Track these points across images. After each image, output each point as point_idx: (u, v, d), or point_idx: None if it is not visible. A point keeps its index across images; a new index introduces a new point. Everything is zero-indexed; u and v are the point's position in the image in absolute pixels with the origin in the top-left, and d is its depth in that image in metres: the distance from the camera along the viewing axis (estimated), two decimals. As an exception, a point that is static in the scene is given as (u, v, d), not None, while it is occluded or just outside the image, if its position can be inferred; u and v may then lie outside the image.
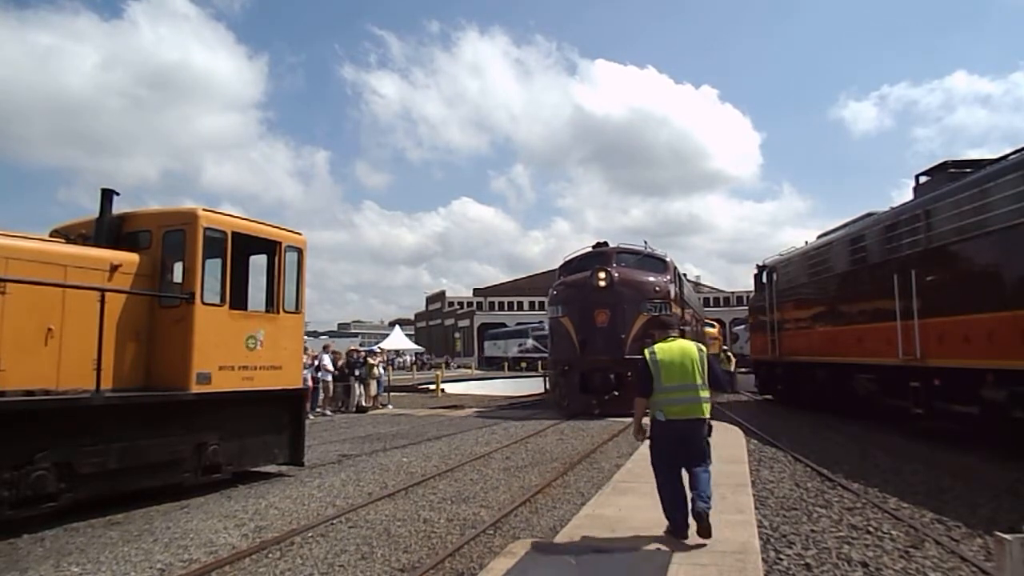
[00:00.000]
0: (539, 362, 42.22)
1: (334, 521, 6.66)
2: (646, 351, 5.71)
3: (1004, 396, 9.58)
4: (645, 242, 20.36)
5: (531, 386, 31.62)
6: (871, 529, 6.28)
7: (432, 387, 29.09)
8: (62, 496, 6.60)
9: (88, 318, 6.94)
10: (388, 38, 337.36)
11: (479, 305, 79.18)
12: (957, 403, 10.95)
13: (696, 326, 26.37)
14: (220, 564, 5.30)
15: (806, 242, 18.99)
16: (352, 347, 25.05)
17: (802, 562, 5.31)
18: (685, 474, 5.57)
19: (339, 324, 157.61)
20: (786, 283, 19.03)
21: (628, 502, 6.72)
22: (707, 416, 5.55)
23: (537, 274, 77.33)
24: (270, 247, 9.07)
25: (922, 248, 11.84)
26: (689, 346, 5.71)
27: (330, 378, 19.77)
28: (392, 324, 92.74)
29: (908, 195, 13.82)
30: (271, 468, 9.53)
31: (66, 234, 8.27)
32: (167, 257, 8.16)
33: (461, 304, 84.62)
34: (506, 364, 55.86)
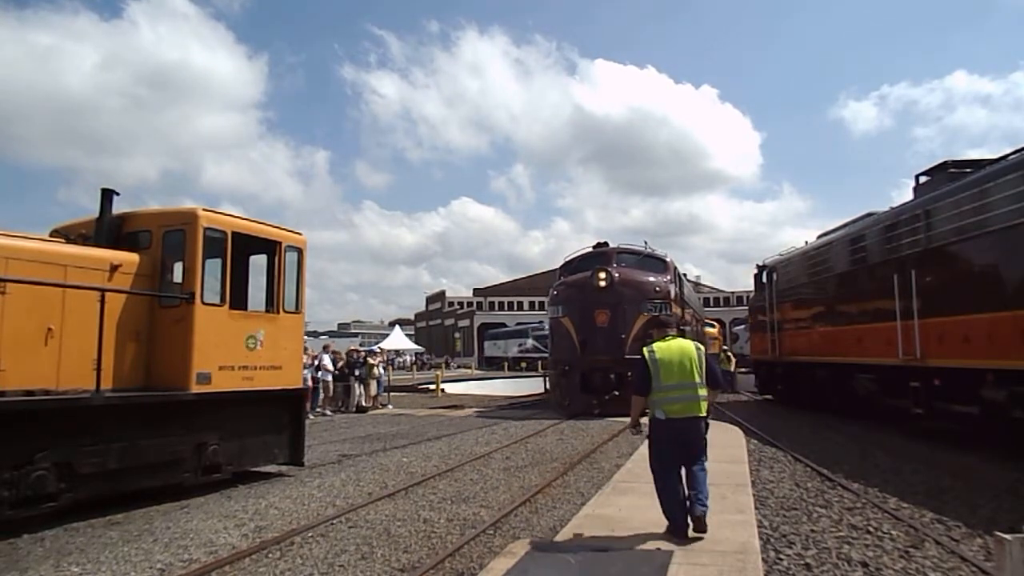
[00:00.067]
0: (539, 362, 42.22)
1: (334, 521, 6.66)
2: (645, 350, 5.73)
3: (1004, 396, 9.58)
4: (645, 242, 20.41)
5: (531, 386, 31.62)
6: (871, 529, 6.28)
7: (432, 387, 29.10)
8: (62, 496, 6.60)
9: (88, 318, 6.94)
10: (388, 38, 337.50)
11: (479, 305, 79.16)
12: (957, 403, 10.95)
13: (696, 326, 26.38)
14: (220, 564, 5.30)
15: (806, 242, 19.03)
16: (352, 347, 25.07)
17: (802, 562, 5.31)
18: (684, 473, 5.59)
19: (339, 324, 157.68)
20: (786, 283, 19.03)
21: (628, 502, 6.72)
22: (705, 414, 5.60)
23: (537, 274, 77.32)
24: (270, 247, 9.07)
25: (922, 248, 11.84)
26: (688, 345, 5.74)
27: (330, 378, 19.78)
28: (392, 324, 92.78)
29: (908, 195, 13.85)
30: (271, 468, 9.54)
31: (66, 234, 8.27)
32: (167, 257, 8.16)
33: (461, 304, 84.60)
34: (506, 364, 55.86)
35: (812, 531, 6.21)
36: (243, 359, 8.40)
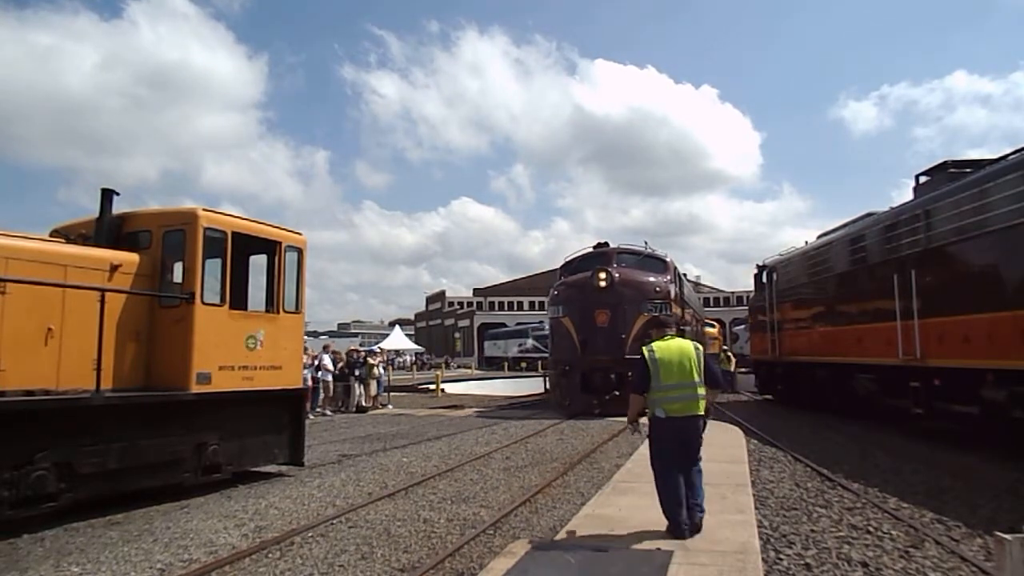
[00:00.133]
0: (539, 362, 42.22)
1: (334, 521, 6.66)
2: (645, 349, 5.78)
3: (1004, 396, 9.59)
4: (645, 242, 20.42)
5: (531, 386, 31.62)
6: (871, 529, 6.28)
7: (432, 387, 29.10)
8: (62, 496, 6.60)
9: (88, 318, 6.94)
10: (388, 38, 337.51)
11: (479, 305, 79.14)
12: (957, 403, 10.95)
13: (696, 326, 26.39)
14: (220, 564, 5.30)
15: (806, 242, 19.03)
16: (352, 347, 25.07)
17: (802, 562, 5.31)
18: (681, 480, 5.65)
19: (339, 324, 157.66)
20: (786, 283, 19.03)
21: (628, 502, 6.72)
22: (703, 413, 5.67)
23: (537, 274, 77.32)
24: (270, 247, 9.07)
25: (922, 248, 11.84)
26: (687, 345, 5.79)
27: (330, 378, 19.78)
28: (392, 324, 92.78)
29: (908, 195, 13.85)
30: (271, 468, 9.54)
31: (66, 234, 8.27)
32: (167, 257, 8.16)
33: (461, 304, 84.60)
34: (506, 364, 55.85)
35: (812, 531, 6.21)
36: (243, 359, 8.40)
